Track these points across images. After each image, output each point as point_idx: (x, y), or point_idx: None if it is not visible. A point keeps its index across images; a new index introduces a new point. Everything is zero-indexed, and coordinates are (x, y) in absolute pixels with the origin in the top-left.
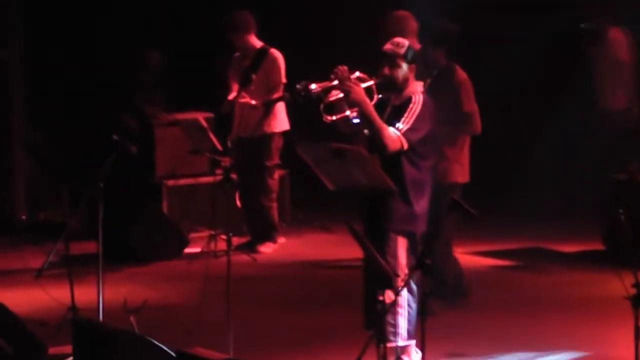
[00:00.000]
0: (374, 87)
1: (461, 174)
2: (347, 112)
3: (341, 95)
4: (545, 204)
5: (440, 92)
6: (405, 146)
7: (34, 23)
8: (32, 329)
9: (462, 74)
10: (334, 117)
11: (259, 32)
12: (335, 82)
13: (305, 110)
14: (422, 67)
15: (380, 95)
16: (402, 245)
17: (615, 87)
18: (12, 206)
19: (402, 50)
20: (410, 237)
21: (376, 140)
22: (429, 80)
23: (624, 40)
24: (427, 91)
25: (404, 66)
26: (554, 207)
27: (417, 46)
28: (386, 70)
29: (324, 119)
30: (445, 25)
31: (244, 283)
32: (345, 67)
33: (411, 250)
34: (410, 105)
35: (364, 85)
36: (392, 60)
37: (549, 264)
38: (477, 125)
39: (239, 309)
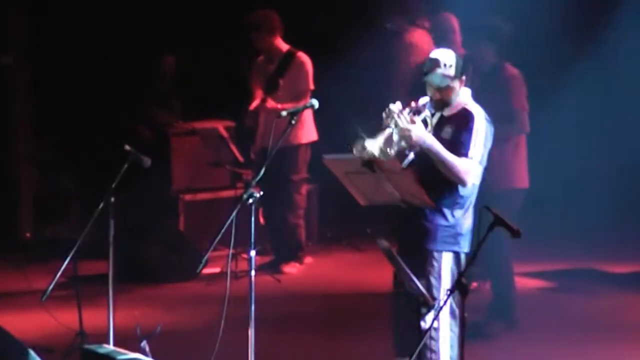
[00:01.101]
0: (428, 116)
1: (518, 178)
2: (409, 154)
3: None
4: (596, 219)
5: (490, 90)
6: (480, 170)
7: (41, 27)
8: (38, 356)
9: (512, 70)
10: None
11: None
12: (391, 128)
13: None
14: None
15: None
16: (446, 266)
17: None
18: (16, 222)
19: (452, 72)
20: (454, 257)
21: (450, 176)
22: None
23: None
24: (476, 90)
25: (456, 85)
26: (605, 222)
27: (460, 50)
28: (437, 96)
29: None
30: (496, 22)
31: (267, 306)
32: (399, 104)
33: (456, 271)
34: (474, 126)
35: (419, 117)
36: (443, 85)
37: (599, 286)
38: (526, 123)
39: (262, 334)
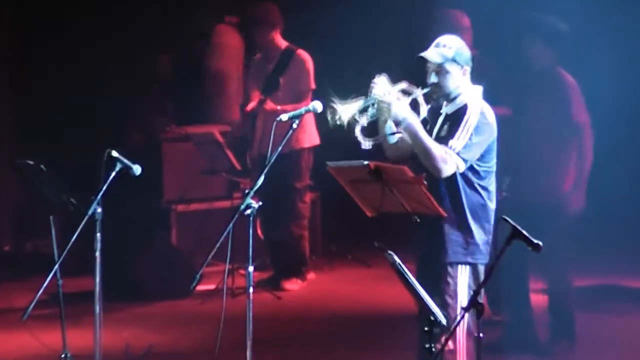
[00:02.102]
0: (421, 98)
1: (576, 198)
2: (394, 130)
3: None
4: (623, 233)
5: (542, 98)
6: (462, 167)
7: (20, 24)
8: None
9: (569, 78)
10: (371, 141)
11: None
12: (370, 98)
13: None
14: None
15: (429, 106)
16: (462, 282)
17: None
18: None
19: (451, 53)
20: (471, 270)
21: (426, 163)
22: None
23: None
24: (522, 92)
25: (455, 71)
26: (634, 237)
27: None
28: (432, 79)
29: (362, 144)
30: (556, 22)
31: (266, 326)
32: (384, 78)
33: (474, 286)
34: (465, 117)
35: (409, 98)
36: (439, 65)
37: (624, 304)
38: (589, 137)
39: (260, 357)
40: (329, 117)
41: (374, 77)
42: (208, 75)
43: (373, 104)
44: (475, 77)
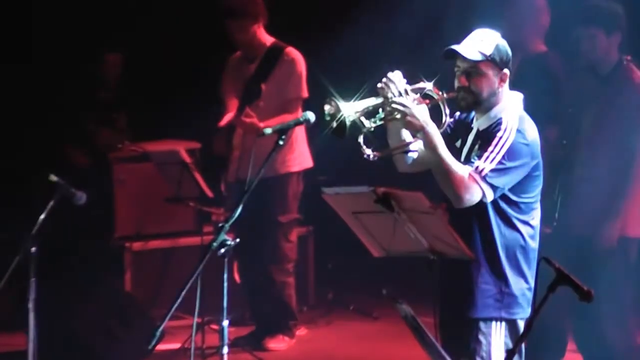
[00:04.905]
0: (444, 105)
1: (633, 224)
2: (408, 141)
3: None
4: None
5: (611, 103)
6: (489, 196)
7: None
8: None
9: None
10: (375, 153)
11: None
12: (381, 98)
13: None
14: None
15: (459, 116)
16: (496, 341)
17: None
18: None
19: (489, 51)
20: (508, 327)
21: (444, 187)
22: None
23: None
24: (591, 103)
25: (492, 74)
26: None
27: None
28: (463, 81)
29: (364, 155)
30: (617, 8)
31: None
32: (398, 74)
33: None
34: (498, 134)
35: (429, 103)
36: (473, 65)
37: None
38: None
39: None
40: (326, 115)
41: (386, 73)
42: None
43: (384, 106)
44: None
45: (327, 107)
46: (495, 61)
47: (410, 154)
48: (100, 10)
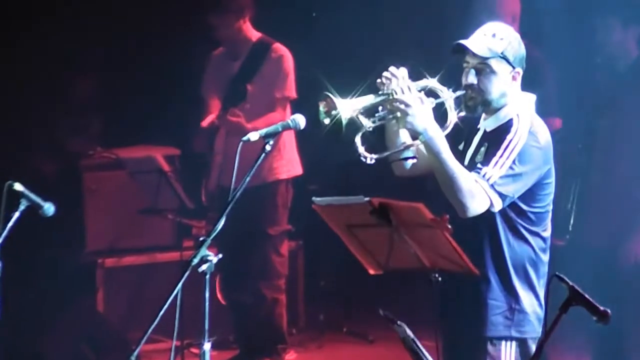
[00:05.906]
0: (449, 104)
1: None
2: (408, 144)
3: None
4: None
5: (630, 102)
6: (497, 205)
7: None
8: None
9: None
10: (374, 155)
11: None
12: (382, 95)
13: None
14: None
15: (460, 116)
16: None
17: None
18: None
19: (501, 47)
20: (518, 346)
21: (448, 195)
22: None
23: None
24: (610, 98)
25: (503, 72)
26: None
27: None
28: (471, 78)
29: (361, 157)
30: None
31: None
32: (403, 71)
33: None
34: (508, 137)
35: (433, 102)
36: (483, 61)
37: None
38: None
39: None
40: (321, 113)
41: (388, 69)
42: None
43: (384, 104)
44: (528, 83)
45: (322, 105)
46: (507, 59)
47: (410, 165)
48: (75, 8)
